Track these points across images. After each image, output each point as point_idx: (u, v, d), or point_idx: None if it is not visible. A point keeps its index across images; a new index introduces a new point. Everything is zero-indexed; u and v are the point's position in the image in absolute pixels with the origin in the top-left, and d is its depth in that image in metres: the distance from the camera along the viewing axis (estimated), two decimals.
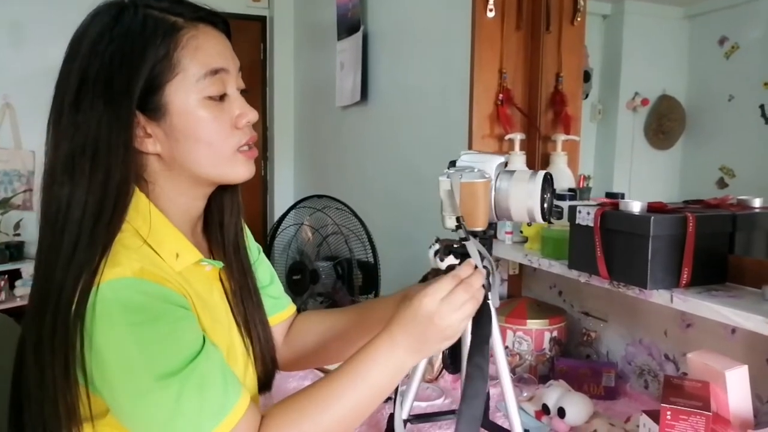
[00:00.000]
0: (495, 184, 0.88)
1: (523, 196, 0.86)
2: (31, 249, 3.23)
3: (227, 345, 0.83)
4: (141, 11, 0.75)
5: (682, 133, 1.99)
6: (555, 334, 1.53)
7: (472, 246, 0.81)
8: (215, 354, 0.74)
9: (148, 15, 0.75)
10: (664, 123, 2.01)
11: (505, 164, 0.92)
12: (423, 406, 1.35)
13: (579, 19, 1.81)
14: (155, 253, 0.76)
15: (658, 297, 1.16)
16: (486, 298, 0.79)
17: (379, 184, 2.73)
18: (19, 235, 3.27)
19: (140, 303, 0.69)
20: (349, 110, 2.96)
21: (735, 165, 1.79)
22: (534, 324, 1.52)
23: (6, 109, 3.34)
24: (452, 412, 1.22)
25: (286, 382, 1.43)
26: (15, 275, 3.10)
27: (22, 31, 3.30)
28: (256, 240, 1.04)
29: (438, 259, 0.88)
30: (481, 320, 0.78)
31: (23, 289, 3.03)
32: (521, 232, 1.64)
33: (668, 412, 0.96)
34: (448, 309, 0.74)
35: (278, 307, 1.04)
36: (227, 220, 0.91)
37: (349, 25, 2.86)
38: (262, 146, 3.89)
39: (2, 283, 3.02)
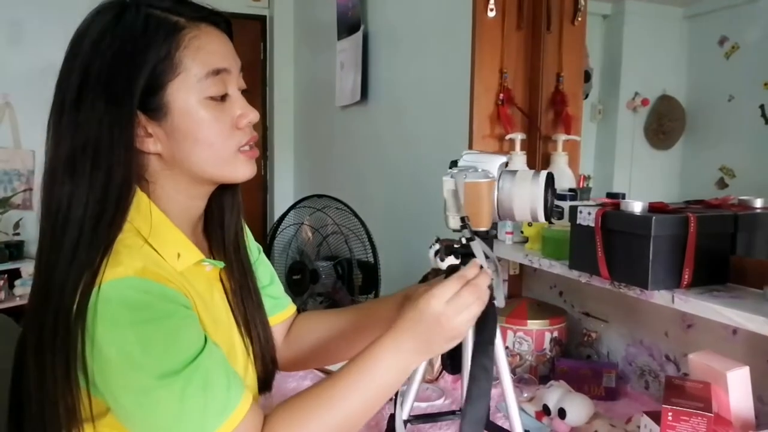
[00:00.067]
0: (498, 183, 0.88)
1: (527, 196, 0.86)
2: (31, 248, 3.23)
3: (227, 345, 0.82)
4: (143, 10, 0.75)
5: (682, 133, 1.99)
6: (555, 334, 1.53)
7: (478, 246, 0.81)
8: (217, 353, 0.74)
9: (150, 14, 0.75)
10: (665, 123, 2.01)
11: (506, 164, 0.92)
12: (423, 407, 1.35)
13: (580, 19, 1.81)
14: (156, 253, 0.75)
15: (660, 298, 1.16)
16: (491, 298, 0.79)
17: (379, 183, 2.73)
18: (18, 234, 3.27)
19: (142, 302, 0.69)
20: (349, 110, 2.96)
21: (735, 165, 1.79)
22: (534, 324, 1.52)
23: (5, 108, 3.33)
24: (452, 412, 1.21)
25: (286, 382, 1.43)
26: (14, 275, 3.09)
27: (22, 30, 3.29)
28: (256, 240, 1.04)
29: (438, 259, 0.87)
30: (485, 321, 0.78)
31: (23, 289, 3.03)
32: (522, 232, 1.64)
33: (669, 413, 0.96)
34: (454, 310, 0.74)
35: (278, 307, 1.04)
36: (228, 219, 0.91)
37: (350, 24, 2.86)
38: (262, 146, 3.88)
39: (2, 282, 3.01)
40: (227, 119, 0.79)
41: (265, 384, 0.92)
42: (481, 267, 0.79)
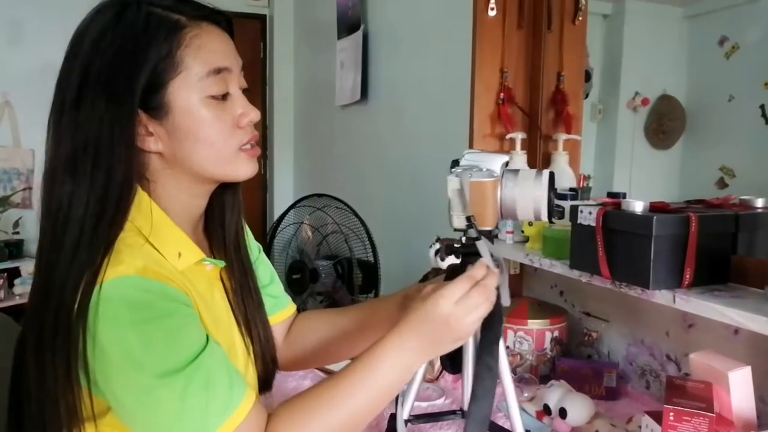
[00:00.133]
0: (501, 183, 0.87)
1: (530, 195, 0.86)
2: (30, 247, 3.22)
3: (228, 344, 0.82)
4: (144, 9, 0.74)
5: (682, 133, 1.99)
6: (556, 334, 1.53)
7: (484, 246, 0.81)
8: (219, 351, 0.74)
9: (151, 13, 0.74)
10: (665, 123, 2.01)
11: (506, 164, 0.92)
12: (424, 406, 1.35)
13: (580, 18, 1.81)
14: (157, 252, 0.75)
15: (661, 297, 1.16)
16: (497, 298, 0.79)
17: (380, 182, 2.72)
18: (18, 233, 3.26)
19: (144, 301, 0.68)
20: (349, 109, 2.95)
21: (735, 165, 1.79)
22: (535, 324, 1.51)
23: (5, 107, 3.33)
24: (453, 412, 1.21)
25: (286, 381, 1.43)
26: (14, 273, 3.09)
27: (21, 29, 3.29)
28: (256, 239, 1.04)
29: (438, 259, 0.87)
30: (491, 320, 0.78)
31: (22, 288, 3.02)
32: (522, 231, 1.64)
33: (671, 413, 0.95)
34: (464, 311, 0.74)
35: (278, 307, 1.04)
36: (228, 218, 0.91)
37: (350, 23, 2.86)
38: (262, 145, 3.88)
39: (1, 281, 3.01)
40: (228, 118, 0.79)
41: (265, 384, 0.92)
42: (488, 267, 0.79)
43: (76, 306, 0.67)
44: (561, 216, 1.44)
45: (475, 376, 0.77)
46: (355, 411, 0.75)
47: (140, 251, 0.73)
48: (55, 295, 0.69)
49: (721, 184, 1.80)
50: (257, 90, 3.86)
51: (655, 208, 1.19)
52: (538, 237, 1.55)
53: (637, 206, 1.17)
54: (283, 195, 3.84)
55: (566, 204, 1.41)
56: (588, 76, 1.96)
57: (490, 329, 0.78)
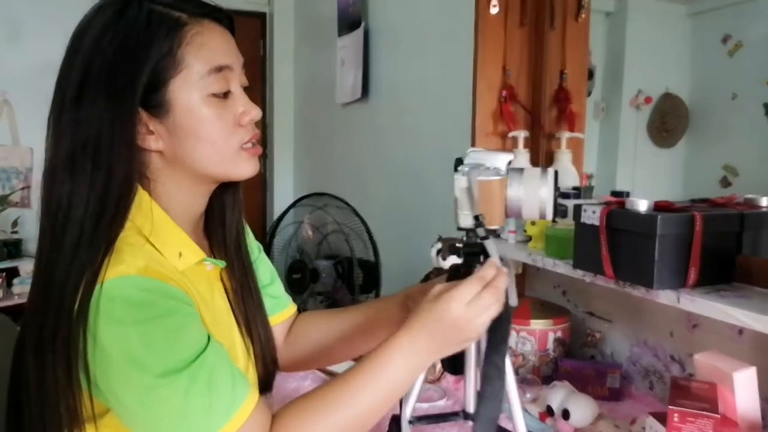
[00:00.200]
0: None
1: (536, 193, 0.85)
2: (29, 246, 3.21)
3: (228, 345, 0.81)
4: (145, 6, 0.74)
5: (685, 131, 1.99)
6: (559, 334, 1.52)
7: (492, 245, 0.80)
8: (221, 350, 0.74)
9: (152, 10, 0.74)
10: (668, 121, 2.01)
11: (509, 162, 0.91)
12: (425, 407, 1.34)
13: (583, 15, 1.80)
14: (158, 252, 0.75)
15: (665, 297, 1.15)
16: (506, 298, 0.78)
17: (380, 181, 2.71)
18: (17, 232, 3.25)
19: (145, 300, 0.68)
20: (350, 107, 2.94)
21: (738, 163, 1.78)
22: (538, 324, 1.50)
23: (4, 106, 3.32)
24: (455, 413, 1.20)
25: (286, 382, 1.42)
26: (13, 273, 3.08)
27: (20, 27, 3.28)
28: (256, 238, 1.03)
29: (440, 258, 0.86)
30: (499, 321, 0.77)
31: (21, 287, 3.02)
32: (525, 231, 1.63)
33: (675, 414, 0.95)
34: (475, 312, 0.73)
35: (279, 307, 1.03)
36: (229, 218, 0.91)
37: (350, 21, 2.85)
38: (262, 143, 3.87)
39: (0, 281, 3.00)
40: (230, 116, 0.78)
41: (265, 384, 0.91)
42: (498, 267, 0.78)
43: (76, 306, 0.67)
44: (564, 215, 1.44)
45: (483, 377, 0.76)
46: (361, 411, 0.74)
47: (141, 250, 0.72)
48: (54, 295, 0.69)
49: (725, 182, 1.79)
50: (257, 88, 3.85)
51: (660, 207, 1.18)
52: (540, 236, 1.54)
53: (641, 205, 1.16)
54: (283, 194, 3.83)
55: (569, 203, 1.40)
56: (590, 74, 1.96)
57: (499, 329, 0.78)
